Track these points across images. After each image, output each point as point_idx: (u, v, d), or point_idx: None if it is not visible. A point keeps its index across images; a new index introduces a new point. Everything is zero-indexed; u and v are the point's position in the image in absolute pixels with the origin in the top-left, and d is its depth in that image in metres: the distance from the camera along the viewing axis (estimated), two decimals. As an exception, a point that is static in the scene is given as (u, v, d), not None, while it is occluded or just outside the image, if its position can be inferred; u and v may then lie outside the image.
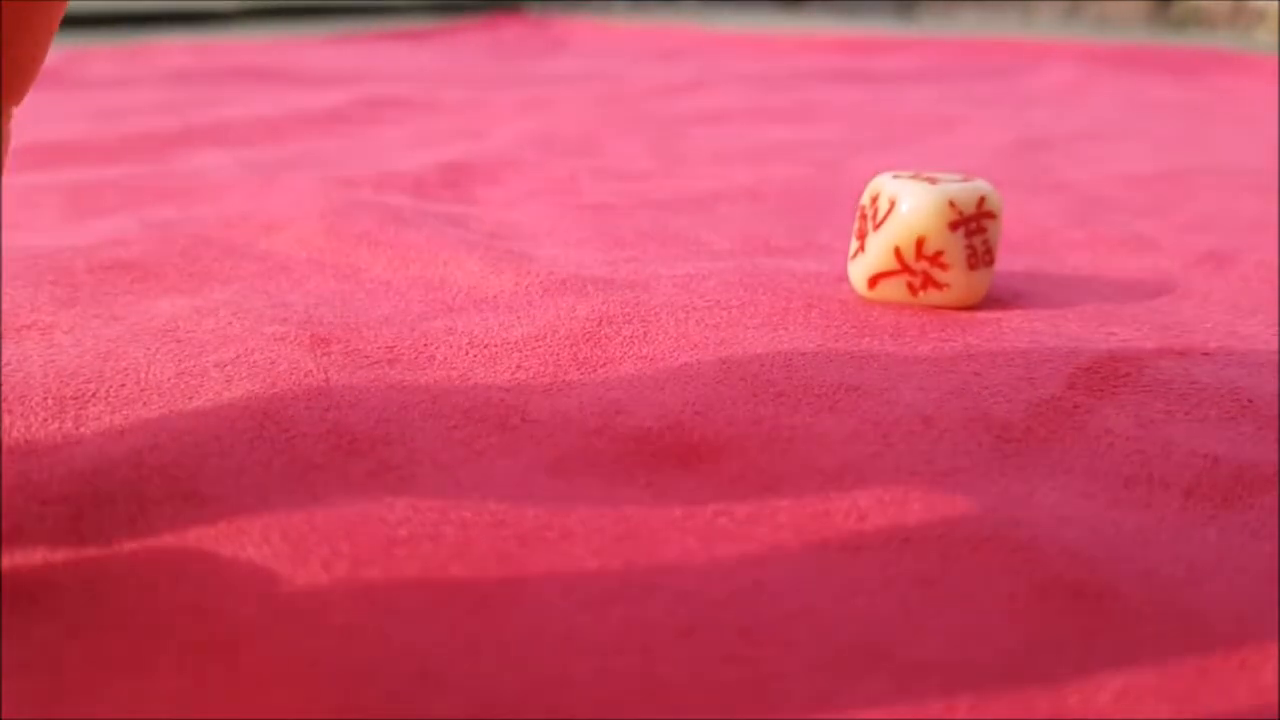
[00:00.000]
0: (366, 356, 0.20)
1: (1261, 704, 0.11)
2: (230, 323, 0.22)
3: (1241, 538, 0.14)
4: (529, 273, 0.25)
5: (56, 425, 0.18)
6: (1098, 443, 0.17)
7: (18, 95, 0.13)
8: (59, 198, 0.33)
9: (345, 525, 0.14)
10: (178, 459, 0.16)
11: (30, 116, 0.49)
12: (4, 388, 0.19)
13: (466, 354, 0.20)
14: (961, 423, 0.17)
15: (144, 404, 0.18)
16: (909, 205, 0.22)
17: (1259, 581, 0.13)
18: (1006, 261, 0.27)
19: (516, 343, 0.21)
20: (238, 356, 0.20)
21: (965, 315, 0.22)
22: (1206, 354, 0.20)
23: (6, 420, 0.18)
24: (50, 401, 0.18)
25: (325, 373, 0.19)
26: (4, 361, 0.20)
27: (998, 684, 0.12)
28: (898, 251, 0.22)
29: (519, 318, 0.22)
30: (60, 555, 0.14)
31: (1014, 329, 0.21)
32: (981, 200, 0.22)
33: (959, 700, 0.11)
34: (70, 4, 1.00)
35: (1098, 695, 0.11)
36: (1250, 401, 0.18)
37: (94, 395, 0.19)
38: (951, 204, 0.22)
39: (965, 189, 0.23)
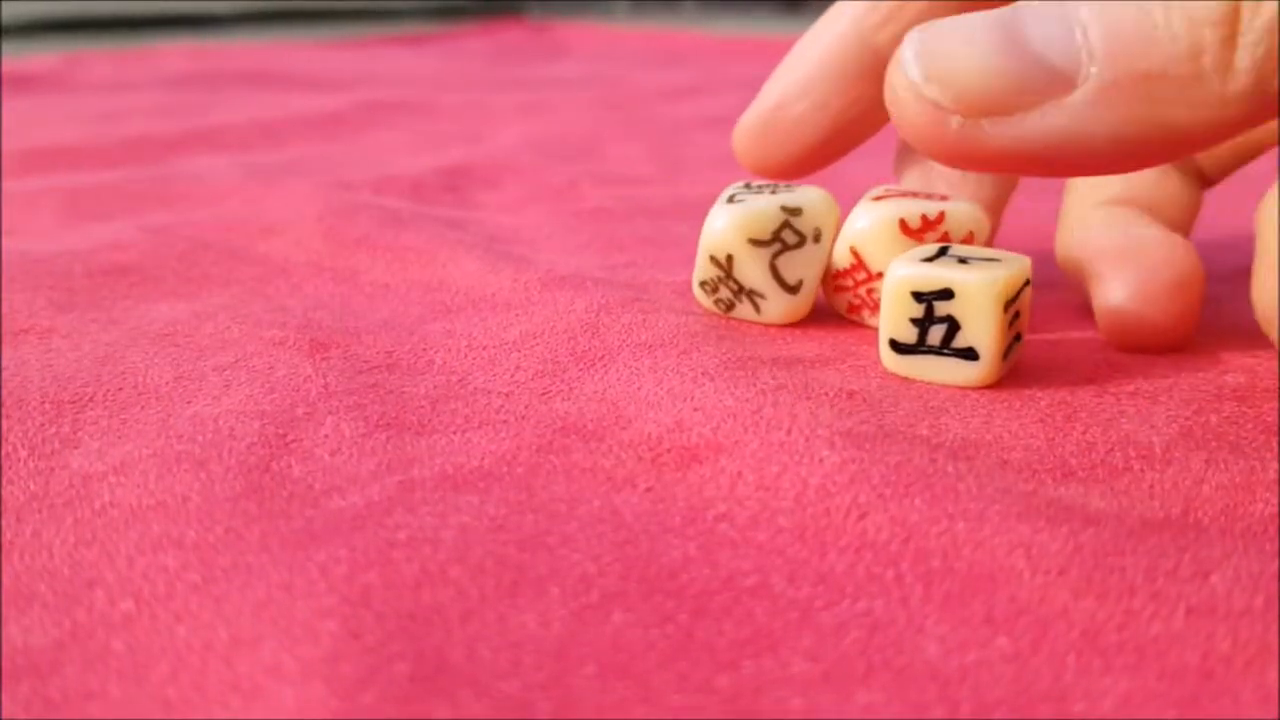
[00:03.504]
0: (366, 361, 0.20)
1: (1265, 704, 0.11)
2: (229, 327, 0.22)
3: (1244, 538, 0.14)
4: (529, 272, 0.25)
5: (54, 429, 0.18)
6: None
7: None
8: (56, 202, 0.33)
9: (343, 528, 0.14)
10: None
11: (28, 120, 0.48)
12: (2, 392, 0.19)
13: (465, 357, 0.20)
14: (960, 419, 0.17)
15: (142, 408, 0.18)
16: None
17: (1260, 580, 0.13)
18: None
19: (515, 342, 0.21)
20: (236, 361, 0.20)
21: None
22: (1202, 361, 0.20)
23: (5, 425, 0.18)
24: (48, 405, 0.18)
25: (324, 377, 0.19)
26: (2, 365, 0.20)
27: (1000, 686, 0.12)
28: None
29: (517, 315, 0.22)
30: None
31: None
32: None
33: (961, 703, 0.11)
34: (68, 6, 1.00)
35: (1102, 700, 0.11)
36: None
37: (91, 399, 0.19)
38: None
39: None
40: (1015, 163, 0.16)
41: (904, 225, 0.20)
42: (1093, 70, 0.14)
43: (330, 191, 0.33)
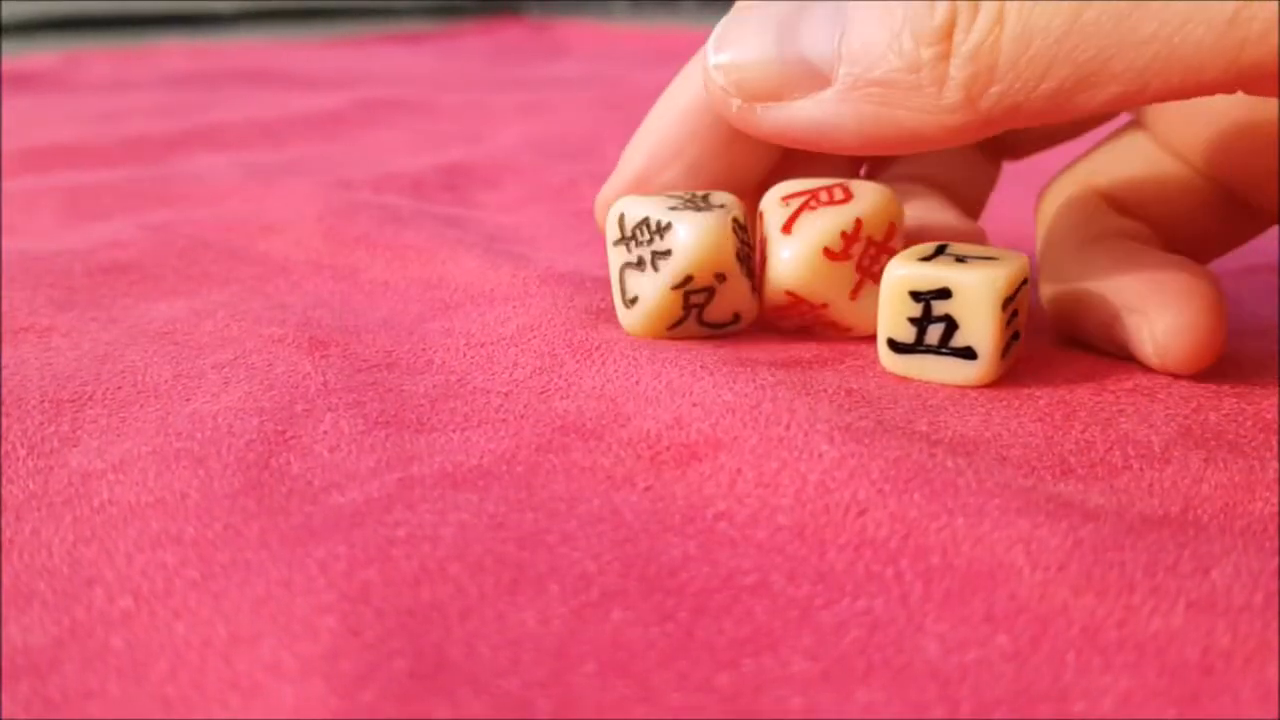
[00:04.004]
0: (365, 359, 0.20)
1: (1265, 701, 0.11)
2: (228, 324, 0.22)
3: (1244, 535, 0.14)
4: (527, 270, 0.25)
5: (53, 428, 0.18)
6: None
7: None
8: (57, 201, 0.33)
9: (343, 524, 0.14)
10: (175, 461, 0.16)
11: (28, 119, 0.48)
12: (2, 390, 0.19)
13: (464, 355, 0.20)
14: (958, 417, 0.17)
15: (141, 406, 0.18)
16: None
17: (1260, 576, 0.13)
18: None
19: (512, 338, 0.21)
20: (235, 358, 0.20)
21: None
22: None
23: (4, 423, 0.18)
24: (47, 404, 0.18)
25: (323, 375, 0.19)
26: (2, 364, 0.20)
27: (1000, 685, 0.12)
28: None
29: (516, 313, 0.22)
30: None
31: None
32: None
33: (961, 702, 0.11)
34: (67, 5, 1.00)
35: (1102, 698, 0.11)
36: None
37: (91, 398, 0.19)
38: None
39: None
40: (783, 141, 0.18)
41: (829, 253, 0.19)
42: (841, 71, 0.17)
43: (330, 190, 0.33)
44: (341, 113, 0.51)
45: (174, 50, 0.79)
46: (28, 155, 0.40)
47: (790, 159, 0.22)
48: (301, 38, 0.94)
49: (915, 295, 0.18)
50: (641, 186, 0.21)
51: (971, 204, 0.24)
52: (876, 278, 0.20)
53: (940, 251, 0.19)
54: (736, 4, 0.18)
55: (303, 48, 0.86)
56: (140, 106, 0.53)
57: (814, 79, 0.17)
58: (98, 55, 0.75)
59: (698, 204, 0.20)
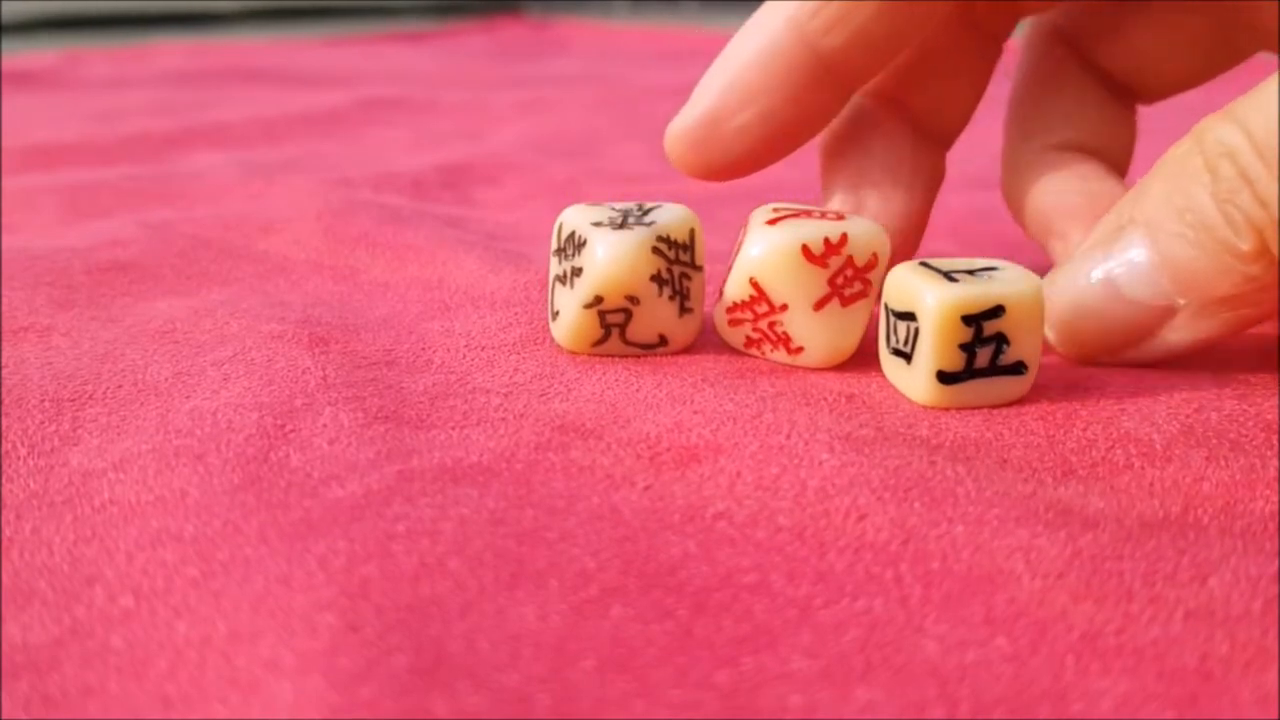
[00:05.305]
0: (365, 357, 0.20)
1: (1264, 705, 0.11)
2: (227, 322, 0.22)
3: (1244, 538, 0.14)
4: (528, 271, 0.25)
5: (54, 427, 0.18)
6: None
7: None
8: (56, 199, 0.33)
9: (342, 518, 0.14)
10: (175, 459, 0.16)
11: (27, 117, 0.48)
12: (2, 389, 0.19)
13: (464, 355, 0.20)
14: (960, 419, 0.17)
15: (141, 404, 0.18)
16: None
17: (1259, 583, 0.13)
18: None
19: (514, 344, 0.21)
20: (235, 355, 0.20)
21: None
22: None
23: (5, 422, 0.18)
24: (47, 404, 0.18)
25: (323, 370, 0.19)
26: (2, 363, 0.20)
27: (999, 685, 0.12)
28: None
29: (516, 315, 0.22)
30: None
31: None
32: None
33: (960, 702, 0.11)
34: (66, 4, 1.00)
35: (1101, 700, 0.11)
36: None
37: (91, 397, 0.19)
38: None
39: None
40: (1160, 363, 0.19)
41: (807, 251, 0.19)
42: (1181, 302, 0.18)
43: (330, 189, 0.33)
44: (341, 111, 0.51)
45: (174, 49, 0.79)
46: (27, 153, 0.40)
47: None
48: (301, 36, 0.94)
49: (967, 319, 0.17)
50: (713, 126, 0.21)
51: (1121, 159, 0.24)
52: (845, 301, 0.19)
53: (937, 270, 0.18)
54: (1049, 282, 0.19)
55: (302, 46, 0.86)
56: (140, 105, 0.53)
57: (1162, 314, 0.18)
58: (98, 54, 0.75)
59: (629, 219, 0.19)
